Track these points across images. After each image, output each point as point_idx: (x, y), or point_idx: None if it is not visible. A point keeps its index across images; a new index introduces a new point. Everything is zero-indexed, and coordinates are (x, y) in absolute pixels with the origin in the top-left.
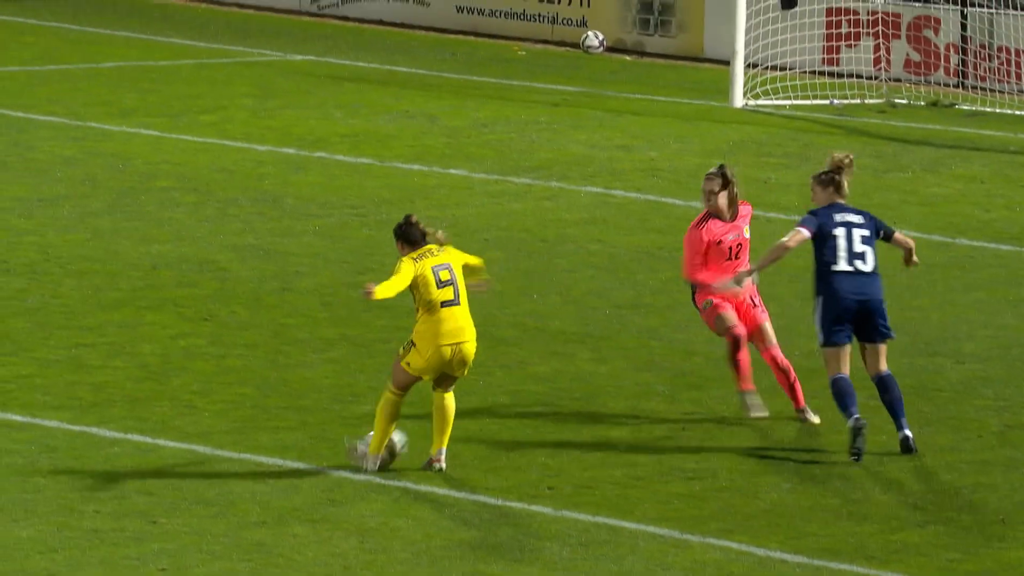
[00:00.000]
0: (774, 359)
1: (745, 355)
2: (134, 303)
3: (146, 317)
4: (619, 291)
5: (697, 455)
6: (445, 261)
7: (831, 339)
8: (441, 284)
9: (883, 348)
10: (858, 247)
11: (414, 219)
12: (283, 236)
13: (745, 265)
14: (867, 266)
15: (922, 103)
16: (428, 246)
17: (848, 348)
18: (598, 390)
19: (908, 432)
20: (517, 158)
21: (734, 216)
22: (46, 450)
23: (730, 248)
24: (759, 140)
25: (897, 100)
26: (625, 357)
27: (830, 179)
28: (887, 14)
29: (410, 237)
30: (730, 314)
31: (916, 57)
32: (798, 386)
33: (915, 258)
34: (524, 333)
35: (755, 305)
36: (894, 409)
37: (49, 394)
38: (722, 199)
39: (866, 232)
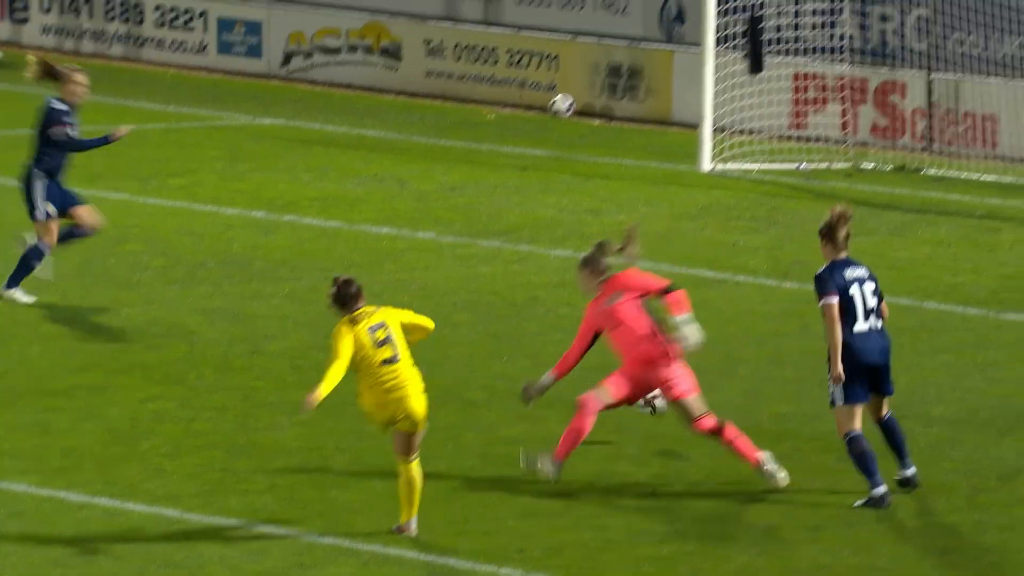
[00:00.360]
0: (708, 427)
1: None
2: (103, 366)
3: (115, 380)
4: (589, 354)
5: (666, 518)
6: (380, 320)
7: (852, 398)
8: (378, 343)
9: (888, 399)
10: (871, 303)
11: (343, 280)
12: (252, 299)
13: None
14: (880, 321)
15: (889, 167)
16: (363, 308)
17: (862, 406)
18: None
19: (914, 468)
20: (486, 221)
21: (605, 292)
22: (13, 515)
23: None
24: (727, 204)
25: (864, 164)
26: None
27: (839, 234)
28: (854, 79)
29: (343, 300)
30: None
31: (883, 122)
32: (741, 443)
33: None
34: (494, 396)
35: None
36: (901, 449)
37: (17, 458)
38: (583, 283)
39: (873, 285)
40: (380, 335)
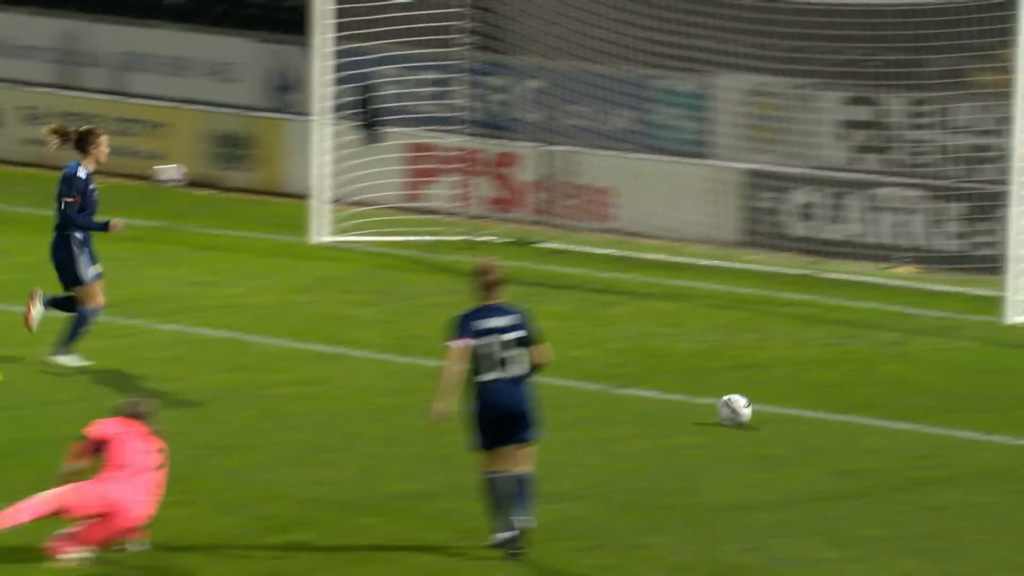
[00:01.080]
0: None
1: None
2: None
3: None
4: (201, 431)
5: None
6: None
7: (484, 445)
8: None
9: (528, 449)
10: (506, 353)
11: None
12: None
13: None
14: (519, 370)
15: (506, 240)
16: None
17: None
18: (178, 534)
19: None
20: None
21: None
22: None
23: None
24: (342, 276)
25: (481, 237)
26: (208, 499)
27: (483, 280)
28: (470, 151)
29: None
30: None
31: (500, 194)
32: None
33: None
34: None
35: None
36: (523, 502)
37: None
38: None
39: (518, 334)
40: None
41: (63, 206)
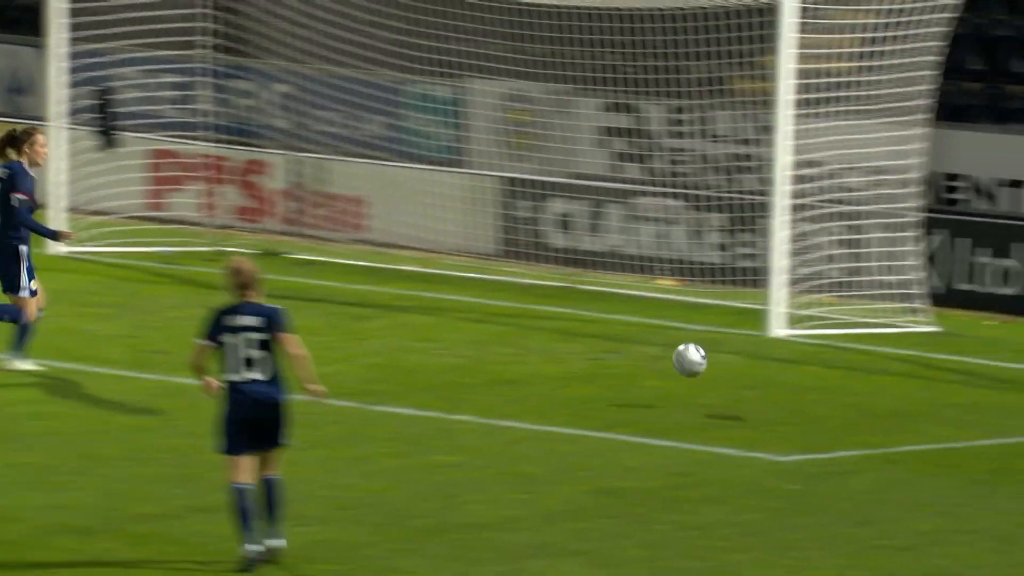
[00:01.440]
0: None
1: None
2: None
3: None
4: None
5: None
6: None
7: (230, 449)
8: None
9: (277, 454)
10: (252, 353)
11: None
12: None
13: None
14: (268, 372)
15: (254, 251)
16: None
17: (247, 458)
18: None
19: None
20: None
21: None
22: None
23: None
24: (80, 289)
25: (228, 247)
26: None
27: (234, 280)
28: (215, 158)
29: None
30: None
31: (247, 203)
32: None
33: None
34: None
35: None
36: (272, 515)
37: None
38: None
39: (264, 336)
40: None
41: (16, 204)
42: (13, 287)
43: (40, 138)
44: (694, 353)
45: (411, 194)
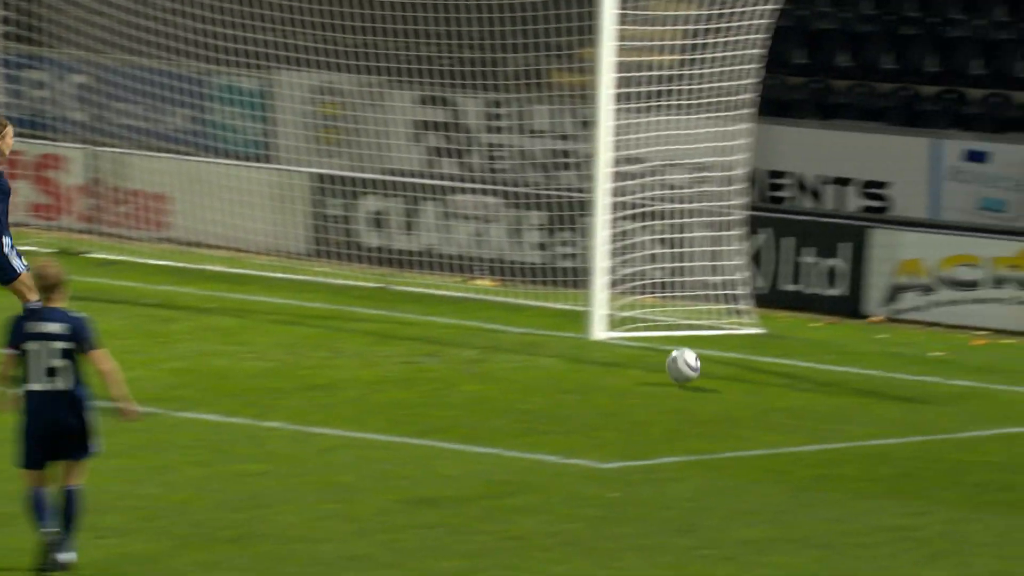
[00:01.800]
0: None
1: None
2: None
3: None
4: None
5: None
6: None
7: (27, 463)
8: None
9: (79, 465)
10: (54, 362)
11: None
12: None
13: None
14: (71, 383)
15: (50, 250)
16: None
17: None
18: None
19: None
20: None
21: None
22: None
23: None
24: None
25: (22, 247)
26: None
27: (40, 284)
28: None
29: None
30: None
31: (42, 199)
32: None
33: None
34: None
35: None
36: (68, 526)
37: None
38: None
39: (67, 344)
40: None
41: None
42: (10, 274)
43: (9, 129)
44: (684, 365)
45: (217, 190)
